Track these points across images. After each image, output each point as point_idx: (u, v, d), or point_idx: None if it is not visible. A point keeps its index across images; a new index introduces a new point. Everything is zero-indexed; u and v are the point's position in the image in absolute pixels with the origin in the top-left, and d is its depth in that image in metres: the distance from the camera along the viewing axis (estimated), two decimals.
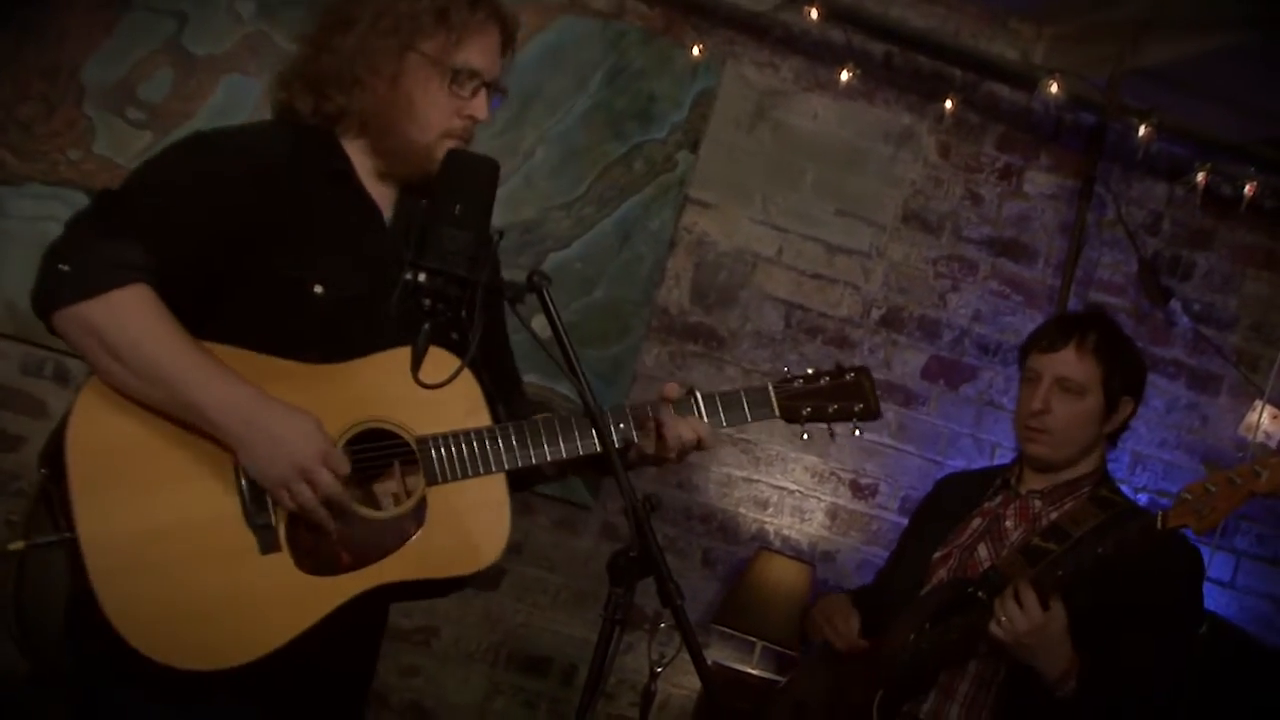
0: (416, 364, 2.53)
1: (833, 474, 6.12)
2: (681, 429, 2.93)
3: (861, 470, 6.14)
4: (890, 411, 6.14)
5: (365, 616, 2.82)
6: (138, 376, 2.60)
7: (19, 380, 5.44)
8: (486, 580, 2.84)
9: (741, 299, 6.07)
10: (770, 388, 3.09)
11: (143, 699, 2.62)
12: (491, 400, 2.84)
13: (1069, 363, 3.84)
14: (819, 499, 6.10)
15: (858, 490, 6.14)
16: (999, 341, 6.22)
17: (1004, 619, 3.50)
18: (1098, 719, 3.55)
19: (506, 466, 2.77)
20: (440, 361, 2.63)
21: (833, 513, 6.12)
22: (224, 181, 2.77)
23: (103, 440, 2.61)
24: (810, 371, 3.13)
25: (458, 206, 2.54)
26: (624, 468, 2.79)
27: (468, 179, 2.59)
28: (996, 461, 6.04)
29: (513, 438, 2.78)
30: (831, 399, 3.14)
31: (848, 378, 3.17)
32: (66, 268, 2.64)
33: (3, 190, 5.44)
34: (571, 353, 2.58)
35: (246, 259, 2.74)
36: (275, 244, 2.76)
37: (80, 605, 2.59)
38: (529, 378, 3.26)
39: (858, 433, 3.19)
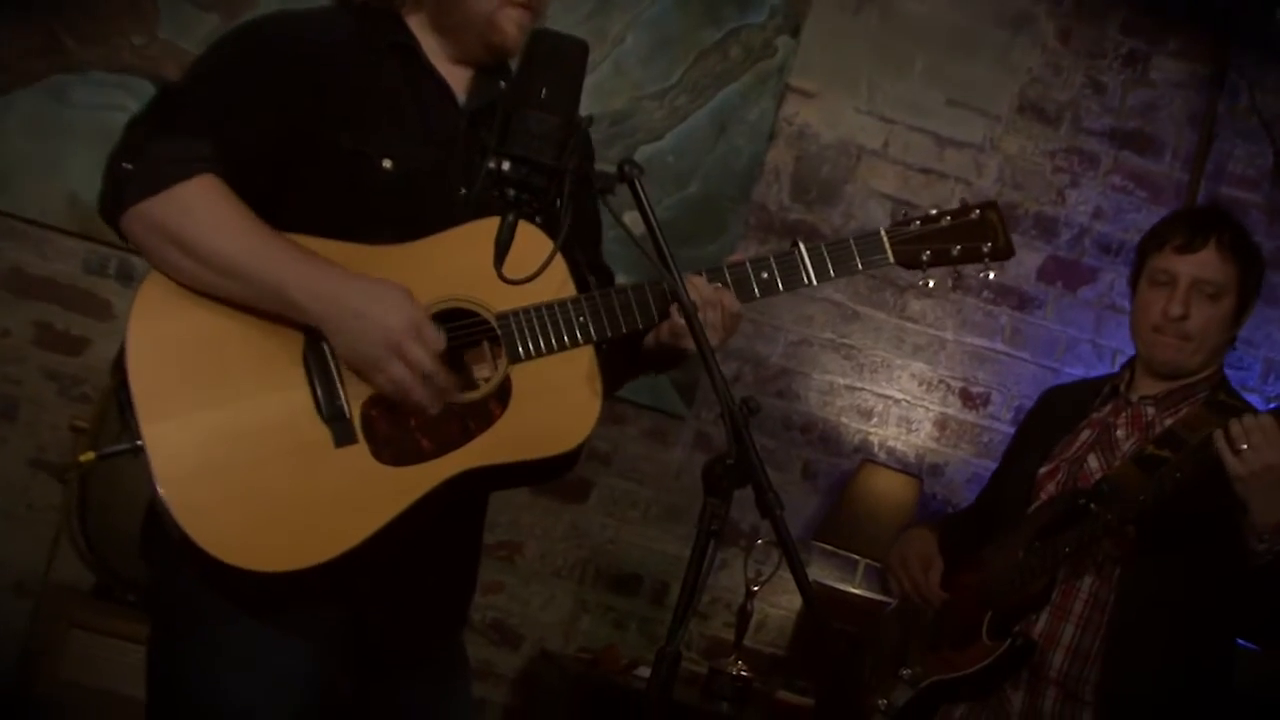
0: (501, 257, 2.50)
1: (941, 382, 6.09)
2: (705, 292, 2.80)
3: (972, 378, 6.10)
4: (1004, 315, 6.10)
5: (457, 519, 2.83)
6: (211, 269, 2.60)
7: (82, 279, 5.46)
8: (573, 462, 2.81)
9: (845, 195, 6.03)
10: (883, 231, 2.92)
11: (223, 608, 2.64)
12: (580, 275, 2.81)
13: (1210, 264, 3.74)
14: (927, 408, 6.08)
15: (968, 399, 6.11)
16: (1121, 241, 6.14)
17: (1245, 447, 3.36)
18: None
19: (595, 337, 2.73)
20: (527, 240, 2.60)
21: (941, 423, 6.09)
22: (283, 63, 2.76)
23: (163, 339, 2.62)
24: (932, 211, 2.95)
25: (544, 90, 2.50)
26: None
27: (554, 60, 2.53)
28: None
29: (600, 306, 2.74)
30: (955, 239, 2.94)
31: (973, 215, 2.96)
32: (130, 166, 2.64)
33: (65, 78, 5.42)
34: (665, 248, 2.54)
35: (311, 140, 2.73)
36: (339, 122, 2.74)
37: (156, 513, 2.61)
38: (618, 278, 3.23)
39: (991, 275, 2.97)
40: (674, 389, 5.80)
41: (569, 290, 2.77)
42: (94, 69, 5.43)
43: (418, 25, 2.89)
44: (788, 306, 5.91)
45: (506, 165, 2.49)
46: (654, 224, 2.56)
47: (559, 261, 2.71)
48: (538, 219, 2.68)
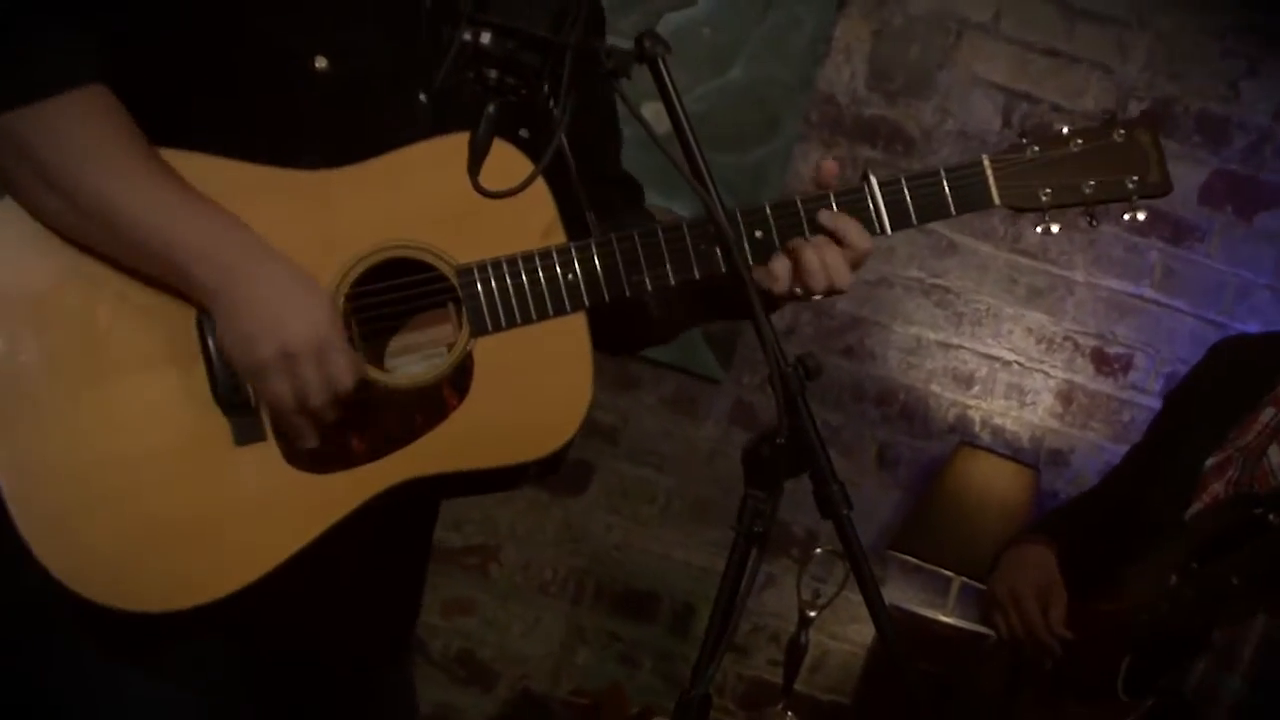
0: (477, 163, 2.48)
1: (1067, 338, 6.10)
2: (847, 229, 2.76)
3: (1109, 334, 6.11)
4: (1153, 251, 6.10)
5: (397, 528, 2.82)
6: (81, 212, 2.57)
7: None
8: (552, 468, 2.80)
9: (940, 84, 6.05)
10: (986, 161, 2.83)
11: (82, 653, 2.63)
12: (574, 212, 2.76)
13: None
14: (1047, 374, 6.09)
15: (1103, 362, 6.12)
16: None
17: None
18: None
19: (587, 302, 2.70)
20: (501, 162, 2.56)
21: (1066, 394, 6.11)
22: None
23: (16, 290, 2.60)
24: (1059, 131, 2.85)
25: None
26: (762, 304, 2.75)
27: None
28: None
29: (595, 260, 2.70)
30: (1088, 171, 2.84)
31: (1116, 136, 2.85)
32: None
33: None
34: (697, 152, 2.54)
35: (225, 31, 2.69)
36: (264, 5, 2.71)
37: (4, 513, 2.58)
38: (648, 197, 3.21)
39: (1139, 216, 2.86)
40: (706, 343, 5.82)
41: (554, 229, 2.74)
42: None
43: None
44: None
45: (486, 38, 2.47)
46: (683, 120, 2.55)
47: (544, 196, 2.71)
48: (522, 130, 2.68)
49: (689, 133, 2.53)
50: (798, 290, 2.76)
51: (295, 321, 2.54)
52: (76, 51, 2.60)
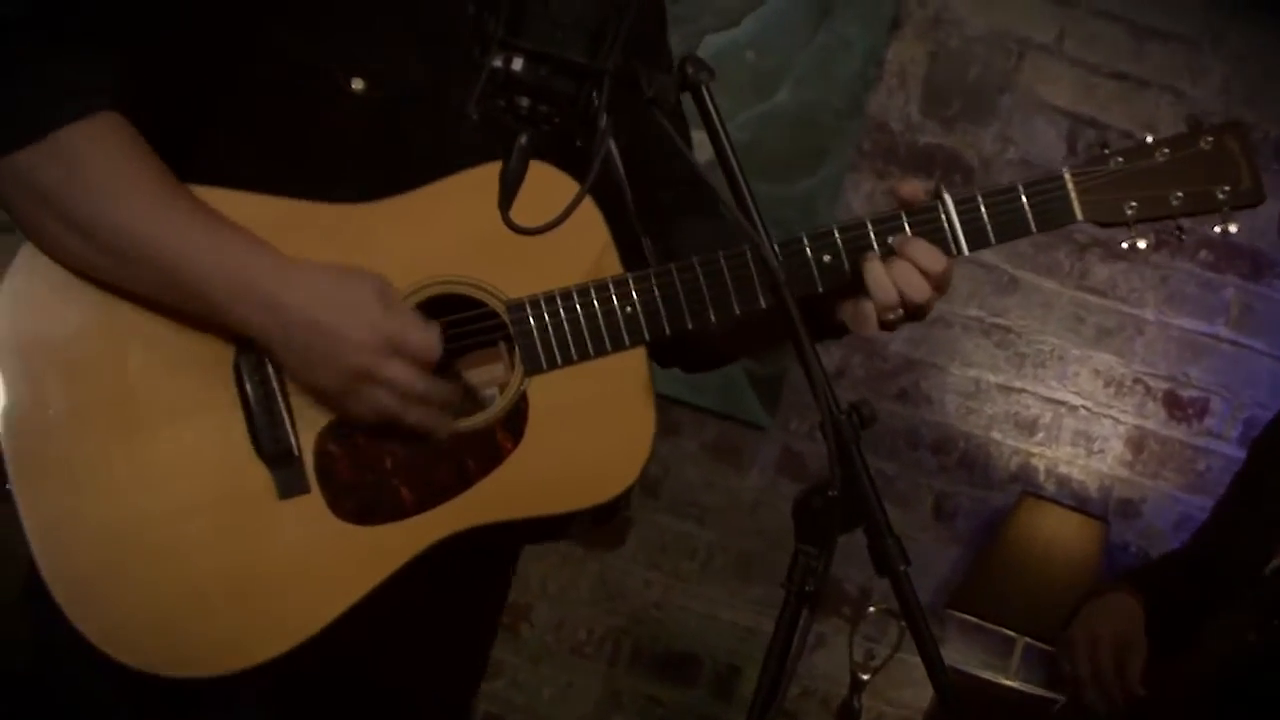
0: (508, 197, 2.48)
1: (1138, 381, 6.08)
2: (921, 255, 2.73)
3: (1182, 376, 6.09)
4: (1230, 287, 6.08)
5: (463, 581, 2.83)
6: (105, 251, 2.55)
7: None
8: (609, 515, 2.77)
9: (1001, 109, 6.04)
10: (1067, 174, 2.79)
11: (132, 709, 2.63)
12: (631, 237, 2.74)
13: None
14: (1116, 420, 6.07)
15: (1176, 406, 6.10)
16: None
17: None
18: None
19: (648, 336, 2.67)
20: (546, 188, 2.56)
21: (1137, 441, 6.09)
22: None
23: (42, 343, 2.58)
24: (1143, 140, 2.80)
25: None
26: (827, 330, 2.72)
27: None
28: None
29: (655, 291, 2.68)
30: (1175, 182, 2.80)
31: (1203, 144, 2.80)
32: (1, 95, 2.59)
33: None
34: (743, 182, 2.53)
35: (250, 50, 2.67)
36: (293, 22, 2.68)
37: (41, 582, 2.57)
38: None
39: (1231, 229, 2.81)
40: (751, 387, 5.81)
41: (608, 258, 2.71)
42: None
43: None
44: None
45: (518, 64, 2.47)
46: (727, 149, 2.55)
47: (597, 226, 2.68)
48: (579, 141, 2.64)
49: (734, 162, 2.51)
50: (889, 316, 2.71)
51: (351, 331, 2.53)
52: (87, 78, 2.57)
